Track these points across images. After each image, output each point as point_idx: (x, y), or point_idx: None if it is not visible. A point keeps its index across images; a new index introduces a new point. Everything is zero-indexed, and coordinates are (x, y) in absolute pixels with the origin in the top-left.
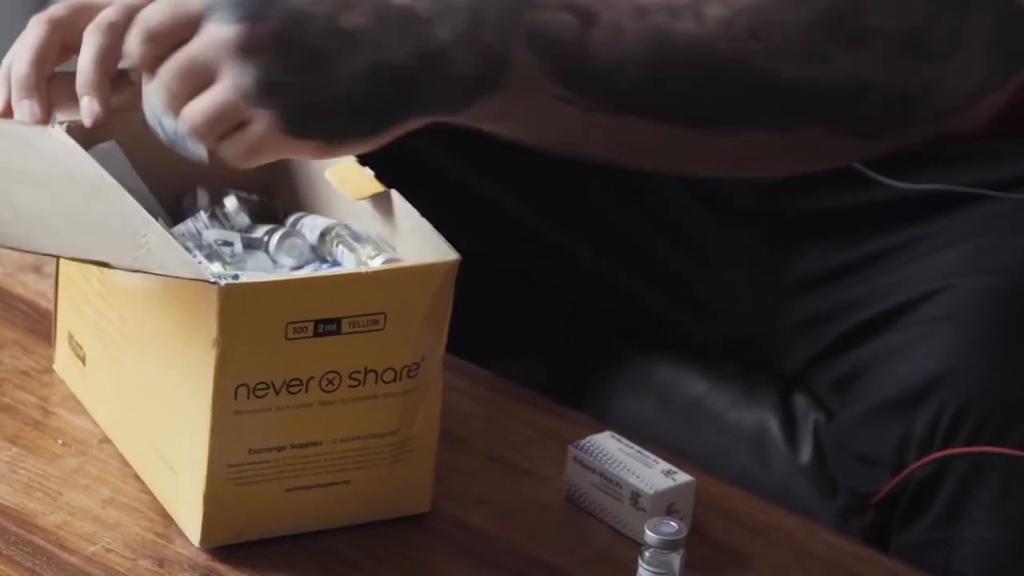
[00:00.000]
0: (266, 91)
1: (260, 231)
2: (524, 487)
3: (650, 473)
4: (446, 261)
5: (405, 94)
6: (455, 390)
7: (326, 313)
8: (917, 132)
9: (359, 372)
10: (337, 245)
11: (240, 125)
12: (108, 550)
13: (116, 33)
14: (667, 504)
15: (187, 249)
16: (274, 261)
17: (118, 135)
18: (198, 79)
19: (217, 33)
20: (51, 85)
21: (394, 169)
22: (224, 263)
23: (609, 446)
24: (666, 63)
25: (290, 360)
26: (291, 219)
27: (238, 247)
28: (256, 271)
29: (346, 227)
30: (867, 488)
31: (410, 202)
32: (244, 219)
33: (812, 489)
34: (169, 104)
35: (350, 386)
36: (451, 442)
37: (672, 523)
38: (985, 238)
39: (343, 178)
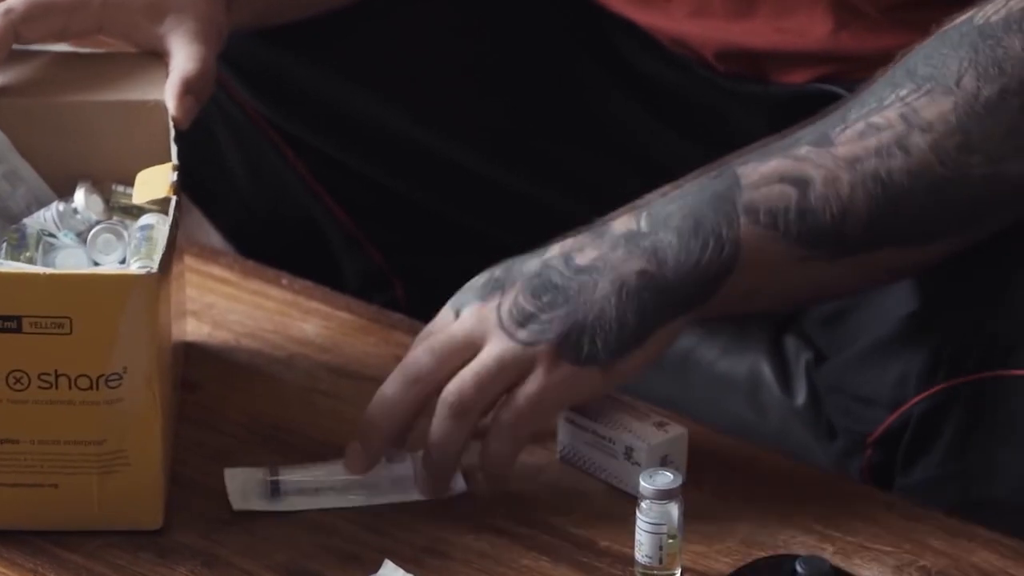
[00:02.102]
0: (535, 332)
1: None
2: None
3: (642, 427)
4: (138, 274)
5: (653, 299)
6: None
7: (4, 310)
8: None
9: (48, 375)
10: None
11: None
12: None
13: (10, 21)
14: (661, 456)
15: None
16: (93, 258)
17: (9, 121)
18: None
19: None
20: None
21: (369, 145)
22: (18, 256)
23: (600, 403)
24: (895, 199)
25: None
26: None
27: (64, 240)
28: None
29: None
30: (864, 428)
31: (387, 180)
32: (91, 216)
33: (809, 432)
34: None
35: (41, 387)
36: None
37: (667, 473)
38: None
39: (143, 179)
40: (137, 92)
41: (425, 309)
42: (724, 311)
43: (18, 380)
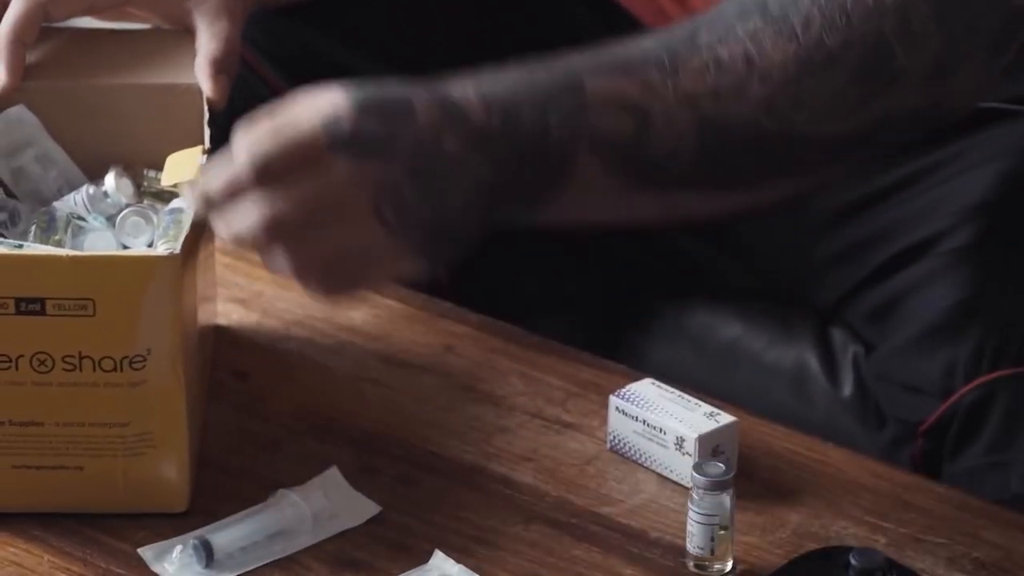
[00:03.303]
0: (403, 223)
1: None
2: (568, 441)
3: (692, 416)
4: (160, 255)
5: (491, 208)
6: (492, 350)
7: (27, 292)
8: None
9: (72, 357)
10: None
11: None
12: None
13: (37, 2)
14: (712, 446)
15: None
16: (121, 241)
17: (42, 105)
18: (325, 215)
19: (349, 173)
20: None
21: None
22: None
23: (650, 393)
24: (719, 148)
25: None
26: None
27: (93, 223)
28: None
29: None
30: (914, 417)
31: None
32: (120, 199)
33: (856, 422)
34: (279, 232)
35: (65, 370)
36: (493, 401)
37: (719, 464)
38: (1016, 155)
39: (172, 162)
40: (168, 74)
41: (469, 291)
42: (539, 221)
43: (42, 362)
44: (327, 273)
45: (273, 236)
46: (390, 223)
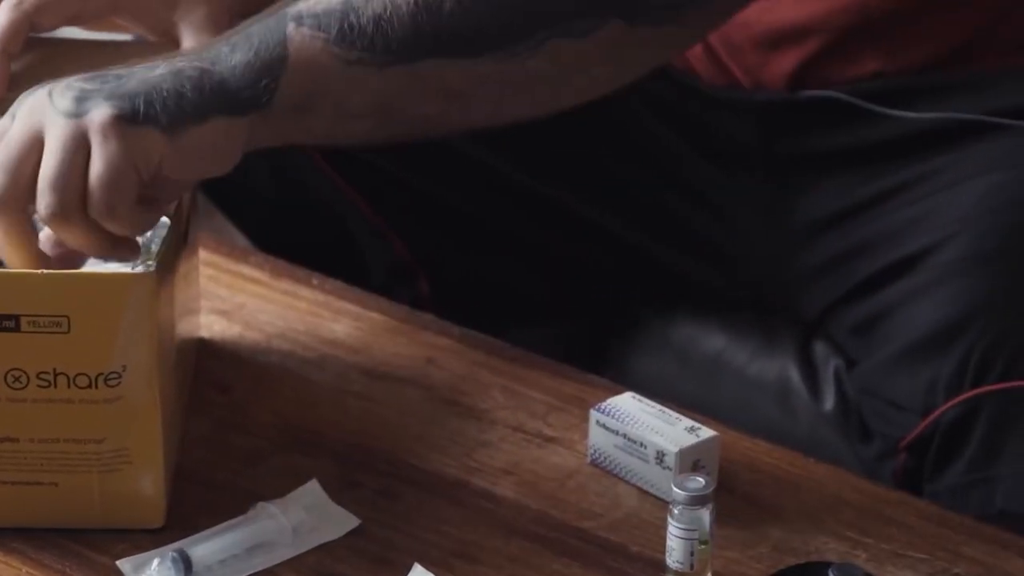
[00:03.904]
0: (87, 104)
1: None
2: (549, 455)
3: (673, 431)
4: (135, 273)
5: (211, 87)
6: (474, 363)
7: (2, 308)
8: (722, 4)
9: (47, 373)
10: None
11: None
12: None
13: (23, 11)
14: (692, 461)
15: None
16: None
17: None
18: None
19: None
20: None
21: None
22: None
23: (630, 407)
24: (434, 5)
25: None
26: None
27: None
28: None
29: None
30: (897, 432)
31: (411, 173)
32: None
33: (838, 436)
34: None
35: (39, 386)
36: (475, 415)
37: (699, 478)
38: (1002, 170)
39: None
40: None
41: (450, 303)
42: (291, 125)
43: (17, 379)
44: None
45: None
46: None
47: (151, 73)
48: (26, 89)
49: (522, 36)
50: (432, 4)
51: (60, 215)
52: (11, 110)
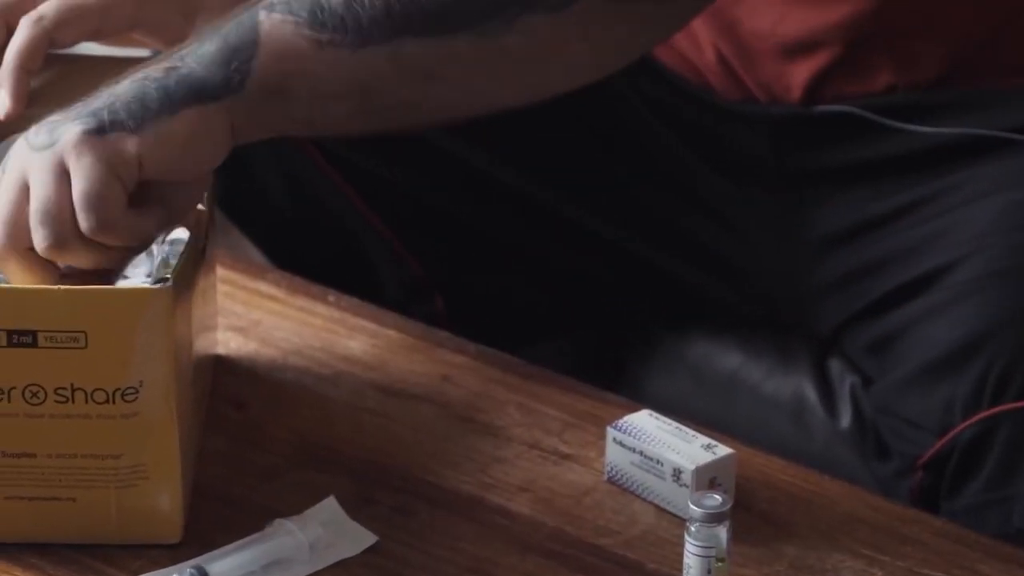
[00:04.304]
0: (56, 131)
1: None
2: (565, 472)
3: (690, 448)
4: (152, 288)
5: (178, 82)
6: (489, 380)
7: (20, 324)
8: None
9: (64, 389)
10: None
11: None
12: None
13: (43, 28)
14: (709, 478)
15: None
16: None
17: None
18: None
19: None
20: None
21: (404, 154)
22: None
23: (647, 424)
24: None
25: None
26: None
27: None
28: None
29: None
30: (914, 450)
31: (426, 191)
32: None
33: (854, 454)
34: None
35: (57, 402)
36: (491, 432)
37: (716, 496)
38: (1018, 188)
39: None
40: None
41: (465, 321)
42: (269, 111)
43: (34, 394)
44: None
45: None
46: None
47: (115, 87)
48: (45, 105)
49: (495, 11)
50: None
51: (56, 245)
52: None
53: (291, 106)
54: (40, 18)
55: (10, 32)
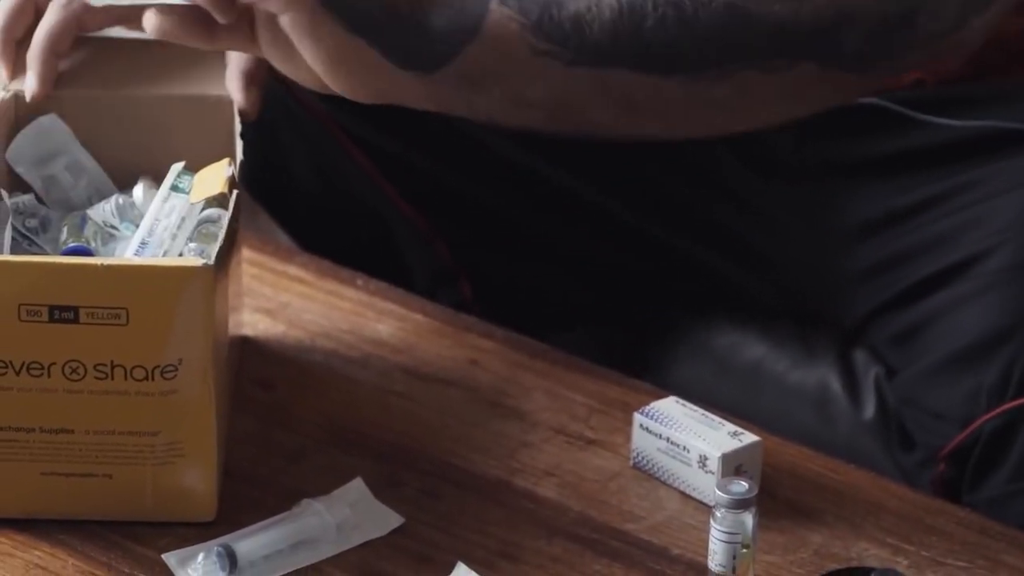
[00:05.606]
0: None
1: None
2: (592, 457)
3: (716, 435)
4: (193, 265)
5: (391, 24)
6: (517, 365)
7: (61, 300)
8: (910, 59)
9: (104, 365)
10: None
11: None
12: None
13: (72, 11)
14: (735, 465)
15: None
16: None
17: (74, 114)
18: None
19: None
20: (20, 49)
21: (433, 140)
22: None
23: (674, 411)
24: (639, 9)
25: (26, 342)
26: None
27: (124, 232)
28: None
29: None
30: (937, 441)
31: (454, 177)
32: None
33: (877, 445)
34: None
35: (97, 378)
36: (518, 417)
37: (742, 483)
38: None
39: (201, 178)
40: (199, 85)
41: (492, 306)
42: (454, 95)
43: (74, 370)
44: None
45: None
46: None
47: None
48: (74, 88)
49: (715, 65)
50: (636, 16)
51: None
52: None
53: (479, 99)
54: (69, 1)
55: (39, 15)
